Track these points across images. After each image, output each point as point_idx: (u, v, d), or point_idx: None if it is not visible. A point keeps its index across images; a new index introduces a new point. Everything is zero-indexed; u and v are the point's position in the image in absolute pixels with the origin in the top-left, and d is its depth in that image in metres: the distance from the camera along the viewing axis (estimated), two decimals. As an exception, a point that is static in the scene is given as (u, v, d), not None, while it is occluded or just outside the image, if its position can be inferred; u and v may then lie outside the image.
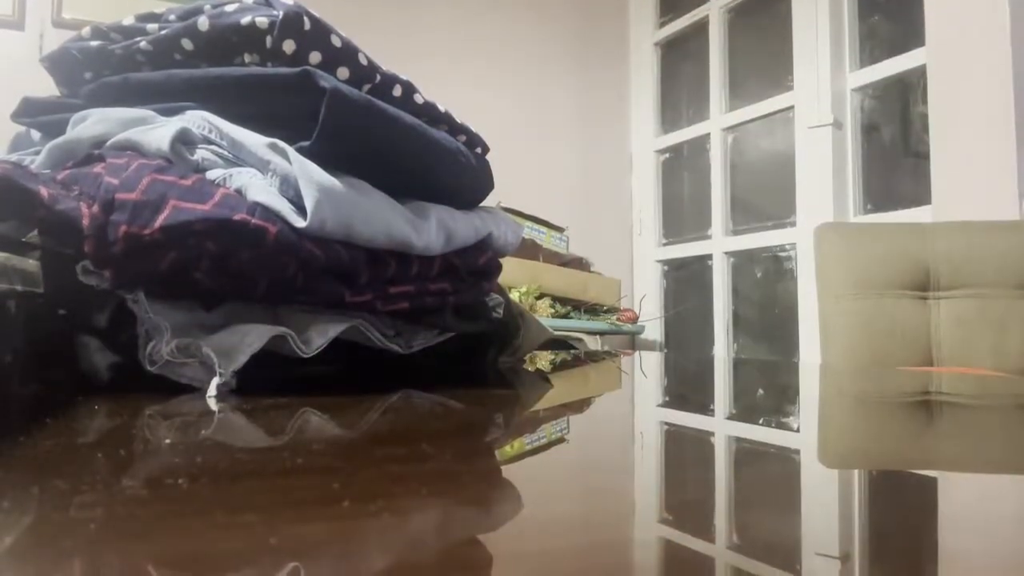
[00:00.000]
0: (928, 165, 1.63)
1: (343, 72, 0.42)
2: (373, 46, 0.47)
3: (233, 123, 0.40)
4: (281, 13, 0.41)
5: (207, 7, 0.43)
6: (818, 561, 0.15)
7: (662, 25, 2.63)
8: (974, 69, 1.54)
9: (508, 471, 0.23)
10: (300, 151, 0.39)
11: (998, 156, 1.48)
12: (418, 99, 0.46)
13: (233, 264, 0.36)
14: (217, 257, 0.36)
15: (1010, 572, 0.14)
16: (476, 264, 0.49)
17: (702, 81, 2.42)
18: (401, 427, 0.30)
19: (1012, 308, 1.20)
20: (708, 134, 2.39)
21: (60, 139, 0.42)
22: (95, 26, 0.46)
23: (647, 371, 0.67)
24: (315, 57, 0.41)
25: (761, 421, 0.36)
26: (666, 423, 0.34)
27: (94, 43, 0.46)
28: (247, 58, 0.43)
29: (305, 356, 0.38)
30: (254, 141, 0.39)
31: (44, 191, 0.35)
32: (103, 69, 0.46)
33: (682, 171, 2.60)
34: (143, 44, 0.44)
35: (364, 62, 0.43)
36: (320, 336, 0.39)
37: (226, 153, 0.40)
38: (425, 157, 0.45)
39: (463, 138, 0.50)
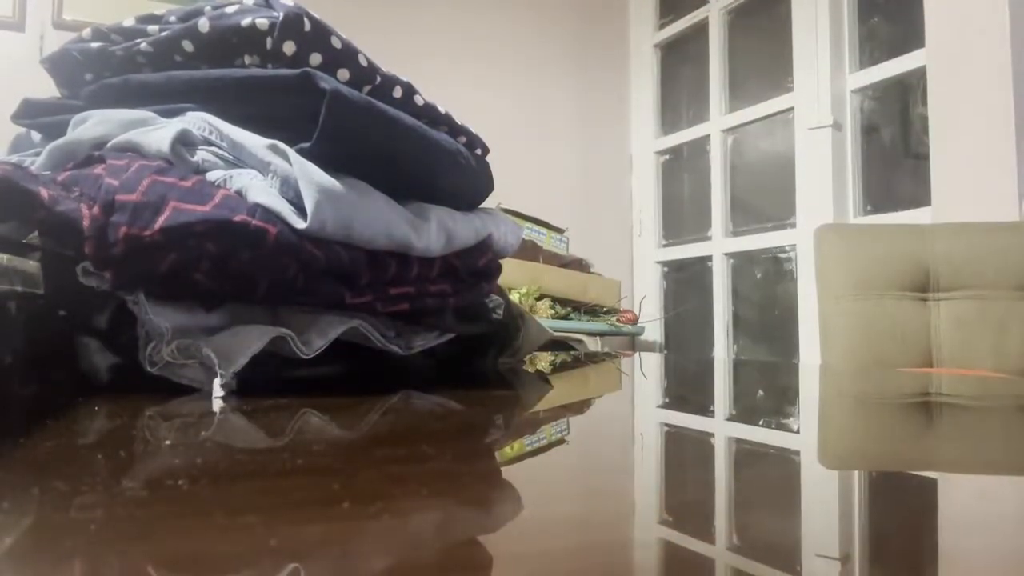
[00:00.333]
0: (928, 166, 1.63)
1: (343, 73, 0.42)
2: (373, 47, 0.47)
3: (233, 124, 0.40)
4: (281, 14, 0.41)
5: (207, 9, 0.43)
6: (818, 562, 0.15)
7: (662, 26, 2.63)
8: (974, 70, 1.54)
9: (508, 472, 0.23)
10: (300, 152, 0.39)
11: (998, 157, 1.48)
12: (418, 100, 0.47)
13: (233, 265, 0.36)
14: (217, 258, 0.36)
15: (1010, 573, 0.14)
16: (476, 265, 0.49)
17: (702, 82, 2.42)
18: (401, 428, 0.30)
19: (1012, 309, 1.20)
20: (708, 135, 2.39)
21: (60, 140, 0.42)
22: (96, 27, 0.47)
23: (647, 372, 0.67)
24: (315, 58, 0.41)
25: (761, 422, 0.36)
26: (666, 424, 0.34)
27: (95, 44, 0.46)
28: (247, 59, 0.43)
29: (305, 357, 0.38)
30: (254, 142, 0.39)
31: (44, 192, 0.35)
32: (104, 70, 0.46)
33: (682, 172, 2.60)
34: (143, 45, 0.44)
35: (364, 63, 0.43)
36: (320, 337, 0.39)
37: (226, 154, 0.40)
38: (425, 158, 0.45)
39: (463, 139, 0.50)
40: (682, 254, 2.50)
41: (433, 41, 2.32)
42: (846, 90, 1.98)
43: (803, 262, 2.04)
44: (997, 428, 0.35)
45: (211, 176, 0.39)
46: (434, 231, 0.44)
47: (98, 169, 0.38)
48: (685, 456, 0.28)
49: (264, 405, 0.33)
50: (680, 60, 2.60)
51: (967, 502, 0.20)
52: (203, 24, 0.43)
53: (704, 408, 0.43)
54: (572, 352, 0.84)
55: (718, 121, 2.36)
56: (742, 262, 2.33)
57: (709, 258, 2.38)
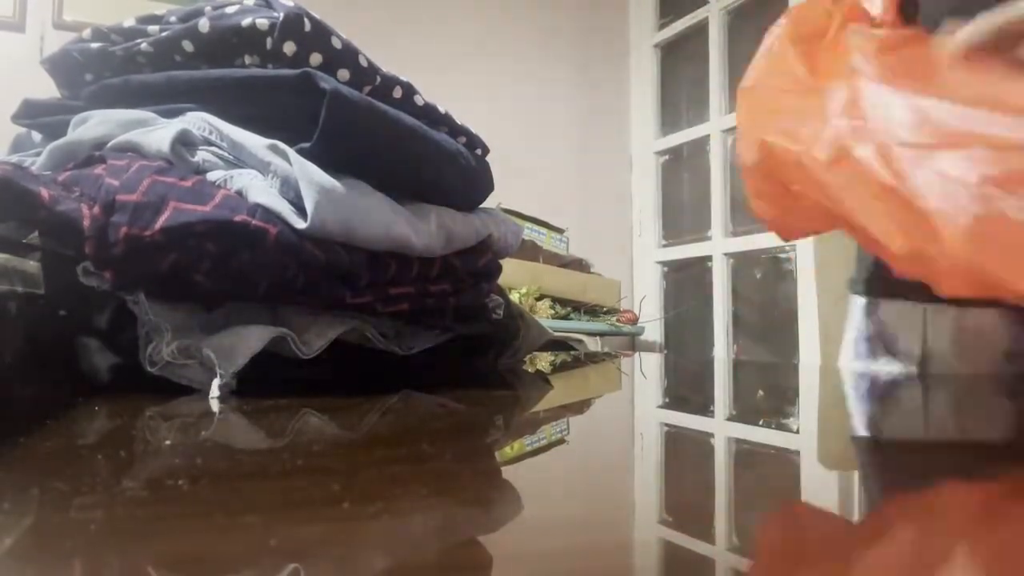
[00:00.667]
0: (928, 166, 1.62)
1: (343, 74, 0.42)
2: (373, 48, 0.47)
3: (233, 124, 0.40)
4: (281, 15, 0.41)
5: (208, 9, 0.43)
6: (816, 562, 0.15)
7: (662, 27, 2.63)
8: (974, 71, 1.53)
9: (508, 472, 0.23)
10: (300, 152, 0.39)
11: (998, 157, 1.48)
12: (418, 101, 0.47)
13: (233, 265, 0.36)
14: (218, 258, 0.36)
15: (1010, 573, 0.14)
16: (476, 265, 0.49)
17: (702, 82, 2.42)
18: (401, 428, 0.30)
19: (1012, 309, 1.19)
20: (708, 135, 2.39)
21: (61, 141, 0.42)
22: (96, 28, 0.47)
23: (647, 372, 0.67)
24: (315, 59, 0.41)
25: (761, 423, 0.36)
26: (666, 424, 0.34)
27: (95, 45, 0.46)
28: (248, 60, 0.43)
29: (305, 357, 0.38)
30: (254, 143, 0.39)
31: (45, 192, 0.35)
32: (104, 71, 0.46)
33: (682, 172, 2.60)
34: (144, 46, 0.44)
35: (364, 64, 0.43)
36: (320, 337, 0.39)
37: (226, 155, 0.40)
38: (425, 158, 0.45)
39: (463, 139, 0.50)
40: (682, 254, 2.50)
41: (433, 42, 2.32)
42: (846, 90, 1.98)
43: (803, 262, 2.03)
44: (997, 428, 0.35)
45: (211, 176, 0.39)
46: (434, 231, 0.44)
47: (98, 169, 0.38)
48: (685, 456, 0.28)
49: (264, 405, 0.33)
50: (680, 60, 2.60)
51: (967, 503, 0.20)
52: (203, 24, 0.43)
53: (704, 408, 0.43)
54: (572, 352, 0.84)
55: (718, 121, 2.35)
56: (742, 262, 2.33)
57: (709, 258, 2.38)
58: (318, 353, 0.39)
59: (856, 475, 0.23)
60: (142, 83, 0.44)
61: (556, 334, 0.74)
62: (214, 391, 0.34)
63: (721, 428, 0.33)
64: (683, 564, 0.15)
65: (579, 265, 2.15)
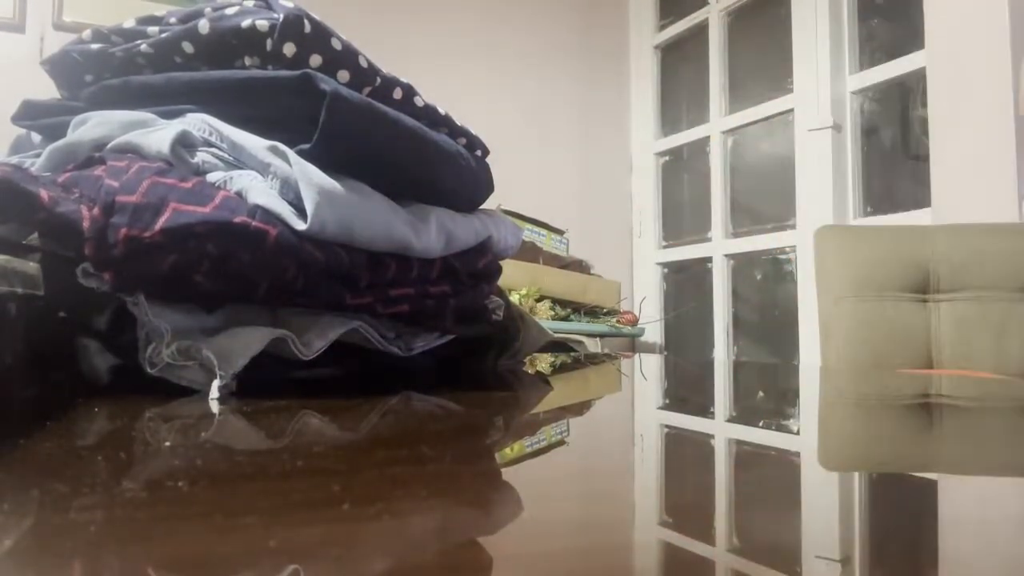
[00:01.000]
0: (928, 168, 1.63)
1: (343, 75, 0.42)
2: (373, 49, 0.47)
3: (233, 126, 0.40)
4: (281, 16, 0.41)
5: (207, 10, 0.43)
6: (818, 564, 0.15)
7: (662, 28, 2.63)
8: (974, 71, 1.54)
9: (508, 473, 0.23)
10: (300, 154, 0.39)
11: (998, 159, 1.48)
12: (418, 102, 0.47)
13: (233, 266, 0.36)
14: (217, 259, 0.36)
15: (1010, 575, 0.14)
16: (476, 266, 0.49)
17: (702, 84, 2.42)
18: (401, 429, 0.30)
19: (1012, 311, 1.20)
20: (708, 137, 2.39)
21: (61, 142, 0.42)
22: (96, 29, 0.47)
23: (647, 373, 0.66)
24: (315, 60, 0.41)
25: (761, 424, 0.36)
26: (666, 426, 0.34)
27: (95, 46, 0.46)
28: (247, 61, 0.43)
29: (305, 358, 0.38)
30: (254, 144, 0.39)
31: (44, 194, 0.35)
32: (104, 72, 0.46)
33: (682, 173, 2.60)
34: (144, 47, 0.44)
35: (364, 65, 0.43)
36: (320, 338, 0.39)
37: (226, 156, 0.40)
38: (425, 160, 0.45)
39: (463, 141, 0.50)
40: (682, 255, 2.50)
41: (433, 44, 2.32)
42: (846, 92, 1.98)
43: (803, 263, 2.03)
44: (997, 430, 0.35)
45: (211, 177, 0.39)
46: (434, 232, 0.44)
47: (98, 170, 0.38)
48: (685, 458, 0.28)
49: (264, 406, 0.33)
50: (680, 61, 2.60)
51: (967, 504, 0.20)
52: (203, 25, 0.43)
53: (704, 410, 0.43)
54: (572, 353, 0.84)
55: (718, 122, 2.36)
56: (742, 263, 2.33)
57: (709, 259, 2.38)
58: (318, 354, 0.39)
59: (856, 476, 0.23)
60: (142, 84, 0.44)
61: (556, 335, 0.74)
62: (214, 392, 0.34)
63: (721, 429, 0.33)
64: (683, 565, 0.15)
65: (579, 266, 2.15)
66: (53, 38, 1.93)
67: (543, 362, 0.69)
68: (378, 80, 0.44)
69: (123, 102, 0.44)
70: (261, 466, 0.22)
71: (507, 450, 0.27)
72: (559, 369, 0.65)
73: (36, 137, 0.48)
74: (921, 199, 1.72)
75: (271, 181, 0.39)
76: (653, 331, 2.46)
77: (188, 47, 0.43)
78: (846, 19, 2.00)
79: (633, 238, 2.65)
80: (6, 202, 0.35)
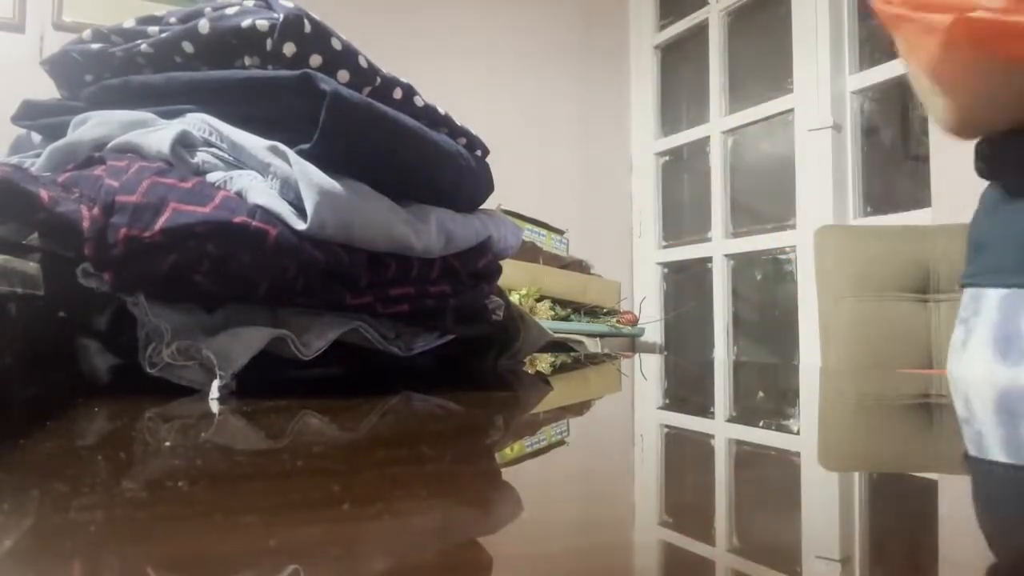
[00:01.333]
0: (928, 168, 1.63)
1: (343, 75, 0.42)
2: (373, 49, 0.47)
3: (233, 126, 0.40)
4: (281, 16, 0.41)
5: (207, 10, 0.43)
6: (818, 564, 0.15)
7: (662, 28, 2.63)
8: (974, 72, 1.53)
9: (508, 473, 0.23)
10: (300, 154, 0.39)
11: (998, 159, 1.48)
12: (418, 102, 0.47)
13: (233, 266, 0.36)
14: (217, 259, 0.36)
15: (1009, 574, 0.14)
16: (476, 266, 0.49)
17: (702, 84, 2.42)
18: (401, 429, 0.30)
19: (1012, 310, 1.19)
20: (708, 137, 2.39)
21: (60, 142, 0.42)
22: (96, 29, 0.47)
23: (647, 373, 0.66)
24: (315, 60, 0.41)
25: (761, 424, 0.36)
26: (666, 426, 0.34)
27: (95, 46, 0.46)
28: (247, 61, 0.43)
29: (305, 358, 0.38)
30: (254, 144, 0.39)
31: (44, 194, 0.35)
32: (104, 72, 0.46)
33: (682, 173, 2.60)
34: (144, 47, 0.44)
35: (364, 65, 0.43)
36: (320, 338, 0.39)
37: (226, 156, 0.40)
38: (425, 160, 0.45)
39: (463, 141, 0.50)
40: (682, 255, 2.50)
41: (433, 43, 2.32)
42: (846, 91, 1.98)
43: (803, 263, 2.03)
44: (997, 429, 0.35)
45: (211, 177, 0.39)
46: (434, 232, 0.44)
47: (98, 170, 0.38)
48: (685, 458, 0.28)
49: (264, 406, 0.33)
50: (680, 61, 2.60)
51: (967, 503, 0.20)
52: (203, 25, 0.43)
53: (704, 410, 0.43)
54: (572, 353, 0.84)
55: (718, 122, 2.36)
56: (742, 263, 2.33)
57: (709, 259, 2.38)
58: (318, 354, 0.39)
59: (856, 476, 0.23)
60: (142, 84, 0.44)
61: (556, 335, 0.74)
62: (214, 392, 0.34)
63: (721, 429, 0.33)
64: (683, 565, 0.15)
65: (579, 266, 2.15)
66: (53, 38, 1.93)
67: (543, 362, 0.69)
68: (378, 80, 0.44)
69: (123, 102, 0.44)
70: (261, 466, 0.22)
71: (507, 450, 0.27)
72: (559, 369, 0.65)
73: (36, 137, 0.48)
74: (921, 199, 1.72)
75: (271, 181, 0.39)
76: (653, 331, 2.46)
77: (188, 47, 0.43)
78: (846, 19, 2.00)
79: (633, 238, 2.65)
80: (6, 202, 0.35)
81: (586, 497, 0.20)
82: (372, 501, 0.18)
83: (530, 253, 1.94)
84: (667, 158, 2.63)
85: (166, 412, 0.31)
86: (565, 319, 1.92)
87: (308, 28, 0.41)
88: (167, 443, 0.25)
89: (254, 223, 0.36)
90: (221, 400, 0.33)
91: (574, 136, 2.58)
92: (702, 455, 0.28)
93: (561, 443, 0.29)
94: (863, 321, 1.27)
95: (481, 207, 0.53)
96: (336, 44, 0.42)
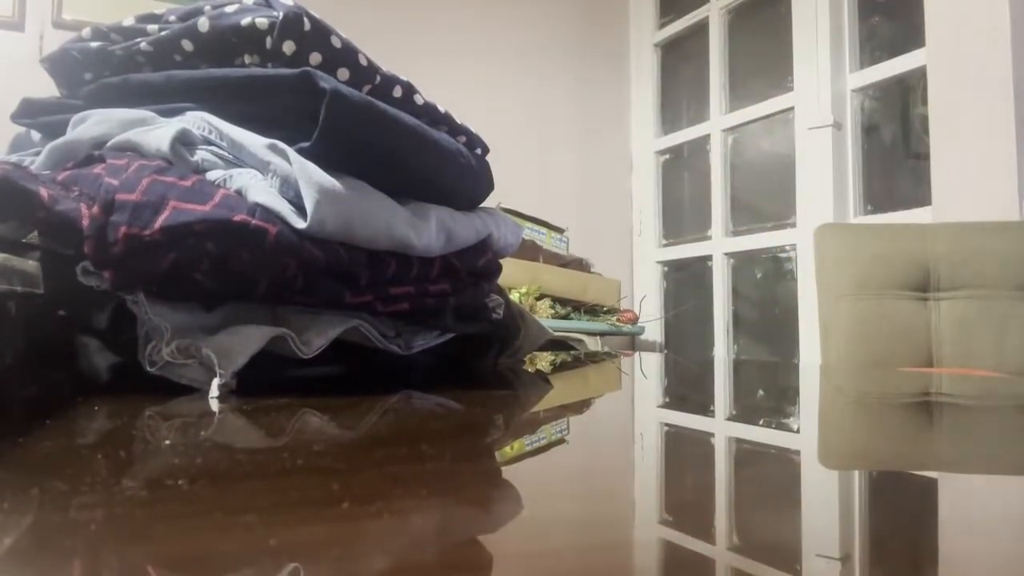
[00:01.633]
0: (928, 166, 1.63)
1: (343, 73, 0.42)
2: (373, 47, 0.47)
3: (233, 124, 0.40)
4: (281, 14, 0.41)
5: (207, 8, 0.43)
6: (818, 562, 0.15)
7: (662, 26, 2.63)
8: (974, 70, 1.54)
9: (508, 472, 0.23)
10: (300, 152, 0.39)
11: (998, 157, 1.48)
12: (418, 100, 0.46)
13: (233, 265, 0.36)
14: (217, 258, 0.36)
15: (1010, 574, 0.14)
16: (476, 265, 0.49)
17: (702, 82, 2.42)
18: (401, 428, 0.30)
19: (1012, 309, 1.20)
20: (708, 135, 2.39)
21: (60, 140, 0.42)
22: (95, 27, 0.47)
23: (647, 372, 0.66)
24: (315, 58, 0.41)
25: (761, 422, 0.36)
26: (666, 424, 0.34)
27: (94, 44, 0.46)
28: (247, 59, 0.43)
29: (305, 357, 0.38)
30: (254, 142, 0.39)
31: (44, 192, 0.35)
32: (103, 70, 0.46)
33: (682, 172, 2.60)
34: (143, 45, 0.44)
35: (364, 63, 0.43)
36: (320, 337, 0.39)
37: (226, 154, 0.40)
38: (425, 158, 0.45)
39: (463, 139, 0.50)
40: (682, 254, 2.50)
41: (433, 42, 2.32)
42: (846, 90, 1.98)
43: (803, 262, 2.03)
44: (997, 428, 0.35)
45: (211, 176, 0.39)
46: (434, 231, 0.44)
47: (98, 168, 0.38)
48: (685, 456, 0.28)
49: (264, 405, 0.33)
50: (680, 59, 2.60)
51: (967, 503, 0.20)
52: (203, 23, 0.43)
53: (704, 408, 0.43)
54: (572, 352, 0.84)
55: (718, 121, 2.36)
56: (742, 262, 2.33)
57: (709, 258, 2.38)
58: (318, 353, 0.39)
59: (856, 474, 0.23)
60: (141, 82, 0.44)
61: (556, 334, 0.74)
62: (214, 391, 0.34)
63: (721, 428, 0.33)
64: (683, 563, 0.15)
65: (579, 265, 2.15)
66: (52, 36, 1.93)
67: (543, 360, 0.69)
68: (378, 78, 0.44)
69: (122, 100, 0.44)
70: (261, 464, 0.22)
71: (507, 448, 0.27)
72: (559, 367, 0.65)
73: (35, 135, 0.48)
74: (921, 197, 1.72)
75: (271, 179, 0.39)
76: (653, 329, 2.46)
77: (188, 45, 0.43)
78: (846, 17, 2.00)
79: (633, 236, 2.65)
80: (5, 200, 0.35)
81: (586, 495, 0.20)
82: (372, 500, 0.18)
83: (530, 251, 1.93)
84: (667, 156, 2.63)
85: (166, 411, 0.31)
86: (565, 317, 1.92)
87: (308, 26, 0.41)
88: (167, 442, 0.25)
89: (254, 221, 0.36)
90: (221, 399, 0.33)
91: (574, 134, 2.58)
92: (702, 453, 0.28)
93: (561, 441, 0.29)
94: (863, 319, 1.27)
95: (481, 205, 0.53)
96: (336, 42, 0.42)
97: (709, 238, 2.38)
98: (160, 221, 0.35)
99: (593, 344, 1.89)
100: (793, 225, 2.09)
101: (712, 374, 0.73)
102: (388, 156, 0.43)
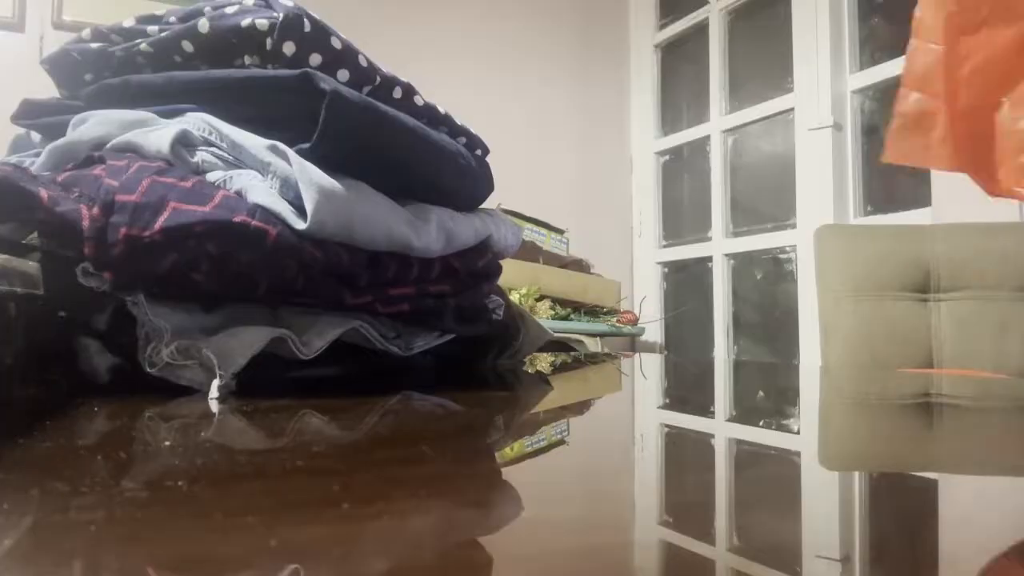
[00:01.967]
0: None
1: (343, 74, 0.42)
2: (373, 48, 0.47)
3: (233, 125, 0.40)
4: (281, 15, 0.41)
5: (207, 9, 0.43)
6: (819, 564, 0.15)
7: (662, 27, 2.63)
8: (974, 71, 1.53)
9: (508, 473, 0.23)
10: (300, 153, 0.39)
11: (998, 158, 1.48)
12: (418, 101, 0.46)
13: (233, 266, 0.36)
14: (217, 259, 0.36)
15: (1009, 574, 0.14)
16: (476, 266, 0.49)
17: (702, 83, 2.42)
18: (401, 429, 0.30)
19: (1013, 310, 1.20)
20: (708, 136, 2.39)
21: (60, 141, 0.42)
22: (95, 28, 0.47)
23: (647, 373, 0.66)
24: (315, 59, 0.41)
25: (761, 423, 0.36)
26: (666, 425, 0.34)
27: (94, 45, 0.46)
28: (247, 60, 0.43)
29: (305, 358, 0.38)
30: (254, 143, 0.39)
31: (44, 193, 0.35)
32: (103, 71, 0.46)
33: (682, 173, 2.60)
34: (143, 46, 0.44)
35: (364, 64, 0.43)
36: (320, 338, 0.39)
37: (226, 155, 0.40)
38: (425, 159, 0.45)
39: (463, 140, 0.50)
40: (682, 255, 2.50)
41: (433, 43, 2.32)
42: (846, 90, 1.98)
43: (803, 263, 2.03)
44: (997, 430, 0.35)
45: (211, 177, 0.39)
46: (434, 232, 0.44)
47: (98, 170, 0.38)
48: (685, 457, 0.27)
49: (263, 406, 0.33)
50: (680, 60, 2.60)
51: (967, 503, 0.20)
52: (203, 24, 0.43)
53: (704, 409, 0.43)
54: (572, 353, 0.84)
55: (718, 121, 2.36)
56: (742, 263, 2.33)
57: (709, 259, 2.38)
58: (318, 354, 0.39)
59: (856, 476, 0.23)
60: (141, 83, 0.44)
61: (556, 335, 0.74)
62: (214, 392, 0.34)
63: (722, 429, 0.33)
64: (684, 565, 0.15)
65: (579, 266, 2.15)
66: (53, 37, 1.93)
67: (543, 361, 0.69)
68: (378, 79, 0.44)
69: (123, 101, 0.44)
70: (261, 466, 0.22)
71: (507, 450, 0.27)
72: (559, 369, 0.65)
73: (36, 136, 0.48)
74: (921, 198, 1.72)
75: (271, 180, 0.38)
76: (653, 330, 2.46)
77: (188, 46, 0.43)
78: (846, 18, 2.00)
79: (633, 237, 2.65)
80: (6, 201, 0.35)
81: (586, 496, 0.20)
82: (372, 501, 0.18)
83: (530, 252, 1.93)
84: (667, 157, 2.63)
85: (166, 412, 0.31)
86: (565, 318, 1.92)
87: (308, 27, 0.41)
88: (167, 443, 0.25)
89: (254, 222, 0.36)
90: (221, 400, 0.33)
91: (574, 135, 2.58)
92: (702, 455, 0.28)
93: (561, 443, 0.29)
94: (863, 320, 1.27)
95: (481, 206, 0.53)
96: (336, 43, 0.42)
97: (709, 239, 2.38)
98: (160, 222, 0.35)
99: (593, 345, 1.89)
100: (793, 226, 2.09)
101: (712, 375, 0.73)
102: (388, 157, 0.43)
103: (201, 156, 0.40)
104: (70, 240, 0.35)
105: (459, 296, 0.48)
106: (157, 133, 0.40)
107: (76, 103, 0.46)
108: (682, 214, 2.57)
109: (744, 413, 0.40)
